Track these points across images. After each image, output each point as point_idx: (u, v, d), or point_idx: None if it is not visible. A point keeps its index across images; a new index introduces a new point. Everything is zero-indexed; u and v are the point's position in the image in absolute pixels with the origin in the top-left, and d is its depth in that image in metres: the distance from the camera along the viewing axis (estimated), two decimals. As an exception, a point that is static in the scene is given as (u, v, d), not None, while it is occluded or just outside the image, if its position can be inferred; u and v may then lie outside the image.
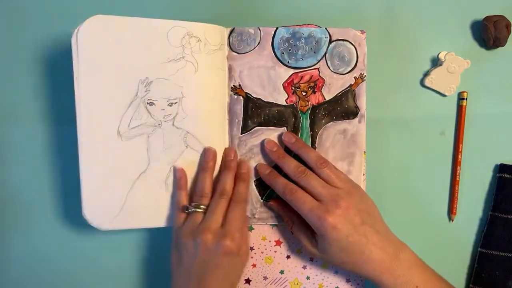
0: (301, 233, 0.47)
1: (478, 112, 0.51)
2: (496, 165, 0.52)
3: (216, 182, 0.48)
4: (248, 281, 0.51)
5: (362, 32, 0.49)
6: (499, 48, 0.51)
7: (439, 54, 0.50)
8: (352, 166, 0.49)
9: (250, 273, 0.51)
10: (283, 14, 0.51)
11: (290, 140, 0.48)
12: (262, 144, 0.49)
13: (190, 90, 0.46)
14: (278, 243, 0.51)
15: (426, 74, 0.51)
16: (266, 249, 0.51)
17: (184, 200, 0.47)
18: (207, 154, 0.48)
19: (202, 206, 0.46)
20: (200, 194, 0.47)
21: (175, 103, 0.46)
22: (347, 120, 0.49)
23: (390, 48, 0.50)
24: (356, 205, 0.44)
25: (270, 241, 0.51)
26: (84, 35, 0.43)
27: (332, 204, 0.44)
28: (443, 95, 0.51)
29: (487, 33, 0.49)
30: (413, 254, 0.45)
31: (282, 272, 0.52)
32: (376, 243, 0.44)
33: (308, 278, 0.52)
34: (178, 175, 0.48)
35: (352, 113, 0.49)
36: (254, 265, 0.52)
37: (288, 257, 0.52)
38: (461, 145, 0.51)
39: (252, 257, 0.51)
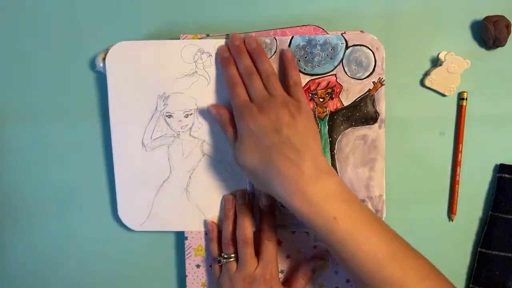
0: (231, 131, 0.46)
1: (478, 112, 0.51)
2: (496, 165, 0.52)
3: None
4: (248, 281, 0.52)
5: (362, 32, 0.49)
6: (499, 48, 0.51)
7: (439, 54, 0.50)
8: (373, 171, 0.49)
9: (250, 273, 0.52)
10: (283, 15, 0.51)
11: (251, 45, 0.47)
12: None
13: (204, 101, 0.49)
14: (278, 242, 0.51)
15: (426, 74, 0.51)
16: (266, 249, 0.51)
17: (215, 251, 0.50)
18: (226, 203, 0.50)
19: (232, 255, 0.48)
20: (226, 242, 0.49)
21: (191, 114, 0.49)
22: (367, 126, 0.49)
23: (390, 48, 0.50)
24: (281, 116, 0.41)
25: (270, 241, 0.51)
26: (111, 60, 0.49)
27: (257, 106, 0.43)
28: (443, 95, 0.51)
29: (487, 33, 0.49)
30: (343, 185, 0.40)
31: (282, 272, 0.52)
32: (292, 159, 0.39)
33: (308, 278, 0.52)
34: (209, 228, 0.50)
35: (372, 118, 0.48)
36: (254, 265, 0.52)
37: (288, 256, 0.52)
38: (461, 145, 0.51)
39: (252, 257, 0.51)
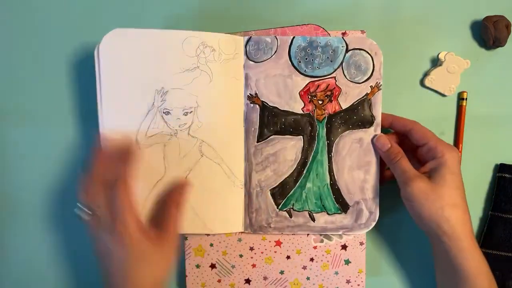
0: (407, 164, 0.46)
1: (478, 112, 0.51)
2: (496, 165, 0.52)
3: None
4: (248, 281, 0.51)
5: (362, 32, 0.49)
6: (499, 48, 0.51)
7: (439, 54, 0.50)
8: (368, 174, 0.49)
9: (250, 273, 0.51)
10: (283, 14, 0.51)
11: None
12: (278, 152, 0.49)
13: (205, 99, 0.47)
14: (278, 243, 0.51)
15: (426, 74, 0.51)
16: (266, 249, 0.51)
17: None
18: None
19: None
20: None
21: (190, 112, 0.47)
22: (363, 129, 0.49)
23: (390, 48, 0.50)
24: None
25: (270, 241, 0.51)
26: (105, 49, 0.45)
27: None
28: (443, 95, 0.51)
29: (487, 33, 0.49)
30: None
31: (282, 272, 0.52)
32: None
33: (308, 278, 0.52)
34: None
35: (368, 122, 0.49)
36: (254, 265, 0.52)
37: (288, 257, 0.52)
38: (461, 145, 0.51)
39: (252, 257, 0.51)
